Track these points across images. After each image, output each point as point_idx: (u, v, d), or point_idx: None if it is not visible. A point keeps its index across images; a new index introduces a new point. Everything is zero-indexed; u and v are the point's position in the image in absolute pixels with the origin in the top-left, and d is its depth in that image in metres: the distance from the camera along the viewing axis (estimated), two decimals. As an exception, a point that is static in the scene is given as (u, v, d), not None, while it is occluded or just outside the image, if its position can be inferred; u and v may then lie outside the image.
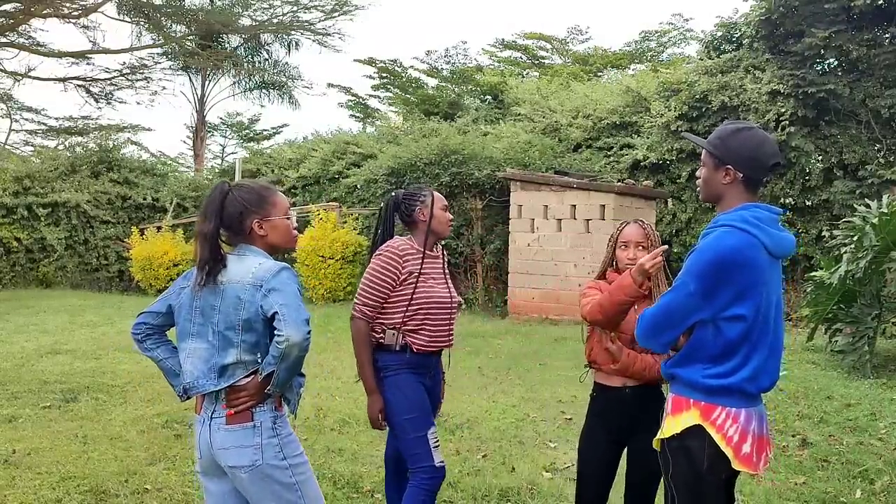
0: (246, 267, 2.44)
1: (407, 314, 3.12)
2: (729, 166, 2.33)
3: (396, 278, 3.11)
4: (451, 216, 3.36)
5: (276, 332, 2.36)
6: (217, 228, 2.48)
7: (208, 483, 2.58)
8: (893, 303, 7.80)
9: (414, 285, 3.13)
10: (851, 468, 4.66)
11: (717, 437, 2.26)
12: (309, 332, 2.36)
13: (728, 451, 2.26)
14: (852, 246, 7.44)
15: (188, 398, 2.56)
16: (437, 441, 3.13)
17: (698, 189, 2.49)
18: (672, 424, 2.35)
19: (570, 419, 5.73)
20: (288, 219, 2.59)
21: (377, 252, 3.17)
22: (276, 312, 2.35)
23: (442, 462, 3.10)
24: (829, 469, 4.67)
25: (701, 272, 2.26)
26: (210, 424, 2.47)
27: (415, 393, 3.10)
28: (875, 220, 7.19)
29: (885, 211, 7.23)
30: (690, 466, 2.29)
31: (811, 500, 4.17)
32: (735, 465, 2.27)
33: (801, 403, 6.22)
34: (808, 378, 7.17)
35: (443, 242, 3.43)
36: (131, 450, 4.83)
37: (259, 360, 2.43)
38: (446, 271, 3.34)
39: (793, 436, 5.33)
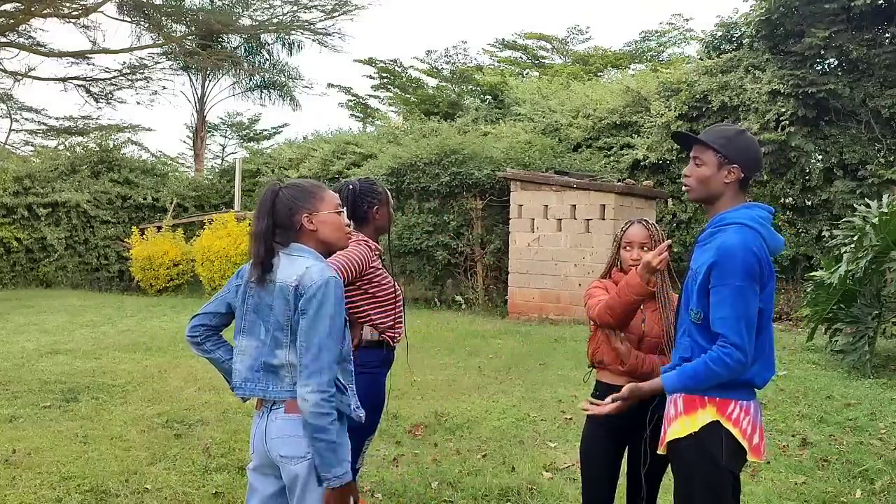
0: (295, 269, 2.42)
1: (395, 313, 3.25)
2: (735, 165, 2.38)
3: (363, 271, 3.17)
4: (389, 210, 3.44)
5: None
6: (270, 227, 2.46)
7: (255, 481, 2.56)
8: (893, 302, 7.80)
9: (392, 284, 3.27)
10: (851, 468, 4.66)
11: (734, 431, 2.30)
12: (318, 399, 2.29)
13: (745, 444, 2.31)
14: (852, 246, 7.44)
15: (245, 398, 2.56)
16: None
17: (686, 188, 2.50)
18: (687, 423, 2.35)
19: (570, 419, 5.73)
20: (338, 213, 2.57)
21: (356, 240, 3.21)
22: (300, 360, 2.34)
23: (360, 465, 3.24)
24: (829, 469, 4.67)
25: (751, 271, 2.27)
26: (268, 416, 2.46)
27: (377, 393, 3.17)
28: (875, 220, 7.19)
29: (886, 211, 7.23)
30: (710, 463, 2.31)
31: (811, 500, 4.17)
32: (749, 457, 2.32)
33: (802, 403, 6.23)
34: (808, 378, 7.17)
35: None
36: (132, 449, 4.83)
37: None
38: None
39: (793, 435, 5.33)
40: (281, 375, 2.43)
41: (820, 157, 11.86)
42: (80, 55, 20.85)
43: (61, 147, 20.48)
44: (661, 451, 2.47)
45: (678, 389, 2.35)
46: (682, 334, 2.45)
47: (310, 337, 2.33)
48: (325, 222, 2.53)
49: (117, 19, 20.01)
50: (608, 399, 2.55)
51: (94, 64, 21.98)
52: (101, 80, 22.00)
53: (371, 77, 25.33)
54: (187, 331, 2.62)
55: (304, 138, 20.14)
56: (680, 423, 2.38)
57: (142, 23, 20.33)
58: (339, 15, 21.42)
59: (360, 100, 26.65)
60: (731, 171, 2.39)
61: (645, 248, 2.96)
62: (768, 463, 4.67)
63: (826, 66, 12.53)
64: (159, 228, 16.09)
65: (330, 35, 22.05)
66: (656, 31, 24.05)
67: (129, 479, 4.29)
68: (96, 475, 4.31)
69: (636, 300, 2.78)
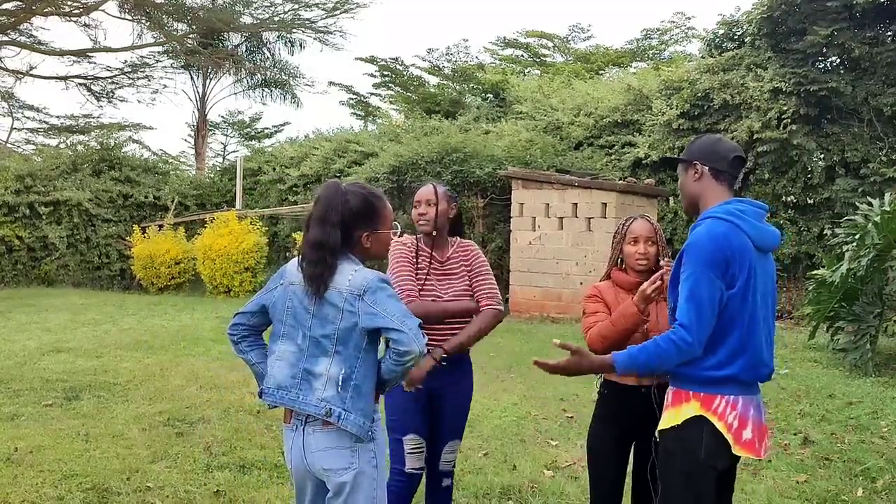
0: (341, 274, 2.35)
1: None
2: (695, 162, 2.50)
3: (411, 260, 3.21)
4: (422, 210, 3.26)
5: (395, 346, 2.29)
6: (339, 240, 2.37)
7: (298, 490, 2.52)
8: (895, 301, 7.80)
9: (420, 285, 3.20)
10: (853, 466, 4.66)
11: (718, 425, 2.32)
12: (425, 339, 2.31)
13: (729, 437, 2.32)
14: (854, 244, 7.43)
15: (273, 406, 2.49)
16: (419, 448, 3.16)
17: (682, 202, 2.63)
18: (672, 416, 2.40)
19: (571, 417, 5.73)
20: (391, 231, 2.53)
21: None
22: (389, 328, 2.28)
23: (415, 469, 3.15)
24: (831, 467, 4.67)
25: (710, 259, 2.32)
26: (304, 430, 2.39)
27: (400, 396, 3.13)
28: (877, 219, 7.19)
29: (888, 209, 7.22)
30: (688, 456, 2.34)
31: (812, 499, 4.17)
32: (736, 451, 2.33)
33: (803, 402, 6.22)
34: (809, 376, 7.17)
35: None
36: (133, 448, 4.83)
37: (344, 373, 2.33)
38: (458, 272, 3.29)
39: (794, 434, 5.33)
40: (314, 387, 2.35)
41: (822, 156, 11.84)
42: (82, 53, 20.87)
43: (63, 145, 20.52)
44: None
45: (628, 368, 2.37)
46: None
47: (391, 310, 2.30)
48: (380, 240, 2.49)
49: (118, 18, 20.04)
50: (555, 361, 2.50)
51: (95, 62, 21.89)
52: (102, 78, 22.03)
53: (372, 75, 25.33)
54: (228, 328, 2.59)
55: (305, 137, 20.13)
56: (667, 414, 2.43)
57: (143, 21, 20.34)
58: (341, 13, 21.43)
59: (362, 98, 26.64)
60: (695, 168, 2.51)
61: (651, 243, 2.94)
62: (770, 461, 4.67)
63: (828, 65, 12.52)
64: (161, 227, 16.09)
65: (331, 33, 22.07)
66: (658, 30, 24.00)
67: (131, 478, 4.29)
68: (98, 473, 4.31)
69: (630, 330, 2.78)
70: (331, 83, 39.72)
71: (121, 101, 24.48)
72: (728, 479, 2.51)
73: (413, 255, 3.25)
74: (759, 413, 2.41)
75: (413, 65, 24.99)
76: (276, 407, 2.49)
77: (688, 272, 2.34)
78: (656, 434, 2.48)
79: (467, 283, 3.27)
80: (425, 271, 3.24)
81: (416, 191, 3.35)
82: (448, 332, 3.20)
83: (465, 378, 3.32)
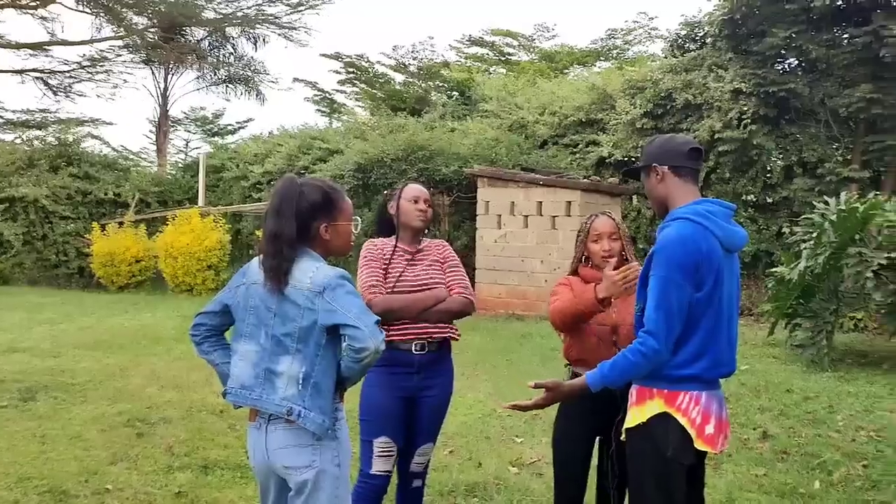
0: (302, 271, 2.33)
1: None
2: (653, 165, 2.51)
3: (381, 258, 3.20)
4: (422, 207, 3.29)
5: (350, 342, 2.26)
6: (296, 231, 2.35)
7: (263, 489, 2.50)
8: (851, 298, 7.98)
9: (395, 279, 3.18)
10: (810, 460, 4.76)
11: (682, 421, 2.35)
12: (383, 336, 2.29)
13: (692, 432, 2.35)
14: (811, 242, 7.58)
15: (238, 406, 2.46)
16: (388, 451, 3.14)
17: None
18: (636, 414, 2.42)
19: (536, 414, 5.75)
20: (350, 223, 2.51)
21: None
22: (345, 324, 2.26)
23: (381, 472, 3.13)
24: (789, 461, 4.76)
25: (681, 263, 2.32)
26: (267, 427, 2.37)
27: (373, 395, 3.14)
28: (833, 217, 7.34)
29: (843, 208, 7.38)
30: (656, 453, 2.36)
31: (771, 492, 4.25)
32: (698, 445, 2.36)
33: (762, 397, 6.34)
34: (768, 372, 7.30)
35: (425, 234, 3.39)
36: (91, 449, 4.74)
37: (304, 371, 2.31)
38: (435, 265, 3.30)
39: (754, 429, 5.43)
40: (276, 385, 2.33)
41: (780, 155, 12.06)
42: (38, 47, 20.37)
43: (18, 141, 19.98)
44: (622, 438, 2.51)
45: (600, 384, 2.40)
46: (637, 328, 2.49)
47: (348, 306, 2.28)
48: (340, 233, 2.47)
49: (76, 10, 19.61)
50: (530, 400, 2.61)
51: (52, 56, 21.35)
52: (59, 72, 21.51)
53: (337, 72, 25.15)
54: (189, 329, 2.56)
55: (269, 133, 19.90)
56: (632, 413, 2.45)
57: (102, 14, 19.93)
58: (305, 9, 21.24)
59: (326, 95, 26.44)
60: (655, 171, 2.52)
61: (614, 239, 2.97)
62: (730, 456, 4.75)
63: (787, 66, 12.76)
64: (121, 224, 15.79)
65: (295, 29, 21.85)
66: (622, 30, 24.21)
67: (89, 480, 4.21)
68: (55, 475, 4.23)
69: (583, 314, 2.80)
70: (295, 79, 39.45)
71: (79, 95, 24.05)
72: (698, 473, 2.54)
73: (385, 254, 3.24)
74: (721, 408, 2.44)
75: (378, 62, 24.89)
76: (240, 407, 2.46)
77: (657, 276, 2.34)
78: (622, 432, 2.49)
79: (440, 271, 3.27)
80: (401, 267, 3.22)
81: (384, 187, 3.38)
82: (424, 328, 3.16)
83: (445, 381, 3.29)
